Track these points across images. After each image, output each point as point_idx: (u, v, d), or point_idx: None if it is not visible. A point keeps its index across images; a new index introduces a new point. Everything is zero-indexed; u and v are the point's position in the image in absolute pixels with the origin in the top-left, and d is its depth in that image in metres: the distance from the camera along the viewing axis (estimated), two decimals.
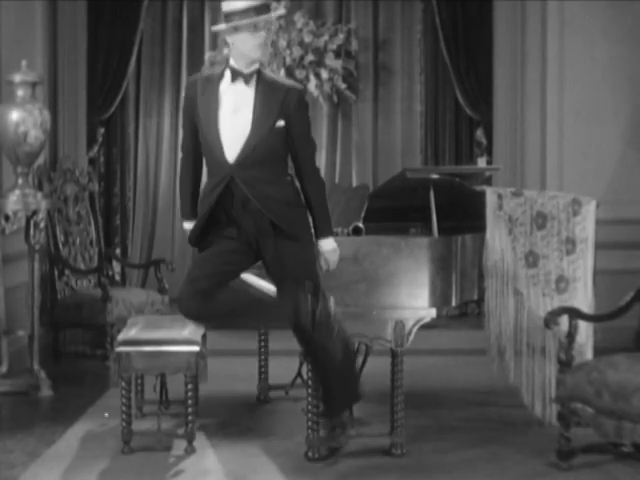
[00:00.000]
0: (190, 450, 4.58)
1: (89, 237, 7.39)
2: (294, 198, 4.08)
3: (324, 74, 8.33)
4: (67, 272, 7.10)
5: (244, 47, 3.88)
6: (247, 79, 3.92)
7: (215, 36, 8.82)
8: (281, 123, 3.94)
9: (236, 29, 3.86)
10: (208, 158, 4.04)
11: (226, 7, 3.90)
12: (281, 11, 4.19)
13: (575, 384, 4.25)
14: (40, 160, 6.63)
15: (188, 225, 4.20)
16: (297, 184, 4.15)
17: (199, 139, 4.03)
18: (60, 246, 7.09)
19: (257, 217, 4.00)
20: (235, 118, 3.91)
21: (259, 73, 3.96)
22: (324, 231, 4.13)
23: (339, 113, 8.78)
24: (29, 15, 7.11)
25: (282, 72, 8.14)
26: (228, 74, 3.95)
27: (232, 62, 3.95)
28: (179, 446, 4.64)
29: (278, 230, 4.01)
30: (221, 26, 3.95)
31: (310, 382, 4.47)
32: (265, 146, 3.93)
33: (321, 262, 4.14)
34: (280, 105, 3.93)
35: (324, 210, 4.13)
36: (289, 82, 4.12)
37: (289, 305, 3.98)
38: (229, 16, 3.87)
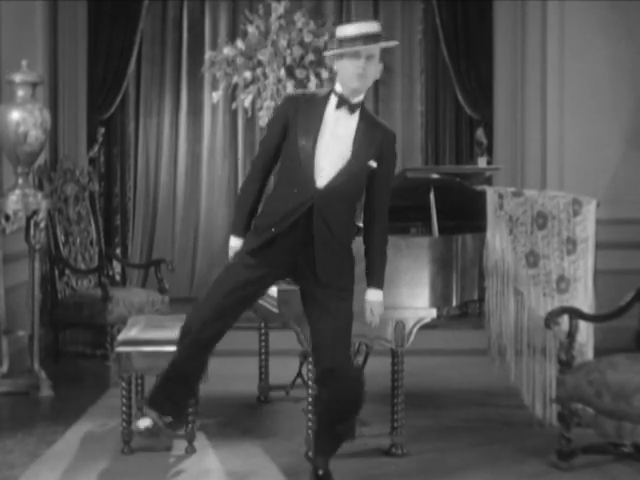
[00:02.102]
0: (190, 450, 4.58)
1: (89, 237, 7.39)
2: (350, 247, 3.93)
3: (324, 74, 8.33)
4: (67, 272, 7.10)
5: (344, 75, 3.78)
6: (353, 109, 3.81)
7: (215, 36, 8.84)
8: (373, 164, 3.83)
9: (341, 56, 3.77)
10: (292, 177, 3.81)
11: (339, 32, 3.82)
12: (391, 43, 3.96)
13: (575, 384, 4.25)
14: (40, 160, 6.63)
15: (236, 242, 3.95)
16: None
17: (281, 156, 3.87)
18: (60, 246, 7.08)
19: (308, 257, 3.84)
20: (334, 144, 3.79)
21: (363, 106, 3.87)
22: (376, 281, 3.96)
23: None
24: (29, 15, 7.12)
25: (282, 72, 8.15)
26: (334, 99, 3.83)
27: (338, 88, 3.83)
28: (179, 446, 4.63)
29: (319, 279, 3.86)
30: (328, 52, 3.89)
31: (310, 382, 4.47)
32: (353, 181, 3.81)
33: (367, 313, 3.96)
34: (378, 145, 3.83)
35: (382, 262, 3.97)
36: (385, 123, 4.04)
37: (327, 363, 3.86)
38: (340, 42, 3.78)
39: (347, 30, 3.79)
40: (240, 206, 4.00)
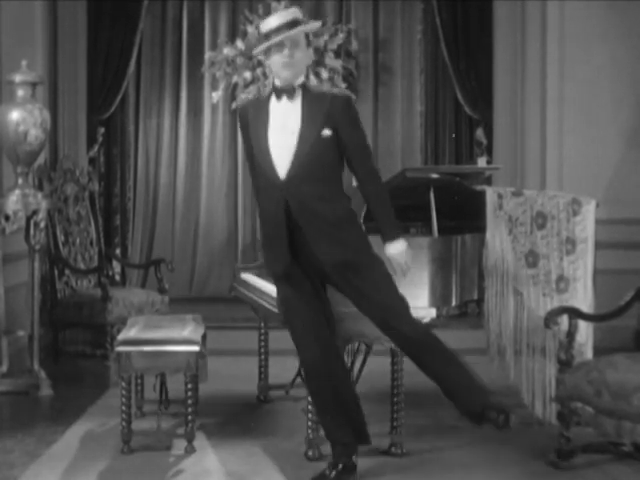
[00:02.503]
0: (190, 450, 4.58)
1: (89, 237, 7.39)
2: (347, 216, 3.94)
3: (324, 74, 8.33)
4: (67, 272, 7.09)
5: (274, 67, 3.86)
6: (290, 95, 3.87)
7: (215, 36, 8.84)
8: (327, 132, 3.84)
9: (269, 51, 3.84)
10: (262, 180, 3.94)
11: (262, 28, 3.88)
12: (312, 25, 4.01)
13: (575, 384, 4.25)
14: (40, 160, 6.63)
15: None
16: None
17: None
18: (60, 246, 7.08)
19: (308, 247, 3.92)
20: (283, 134, 3.85)
21: (304, 87, 3.90)
22: (388, 234, 3.95)
23: None
24: (29, 15, 7.12)
25: None
26: (274, 93, 3.92)
27: (275, 82, 3.91)
28: (179, 446, 4.64)
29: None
30: (256, 50, 3.95)
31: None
32: (314, 158, 3.83)
33: (394, 269, 3.95)
34: (325, 114, 3.84)
35: (386, 212, 3.97)
36: (335, 90, 4.09)
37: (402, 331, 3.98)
38: (266, 37, 3.84)
39: (270, 23, 3.85)
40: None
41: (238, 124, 4.15)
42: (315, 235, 3.87)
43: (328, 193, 3.91)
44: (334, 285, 4.04)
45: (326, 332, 4.04)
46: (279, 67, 3.84)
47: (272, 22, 3.84)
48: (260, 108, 3.94)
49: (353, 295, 3.97)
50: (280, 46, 3.80)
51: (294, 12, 3.90)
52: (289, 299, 4.04)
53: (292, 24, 3.81)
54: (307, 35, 3.92)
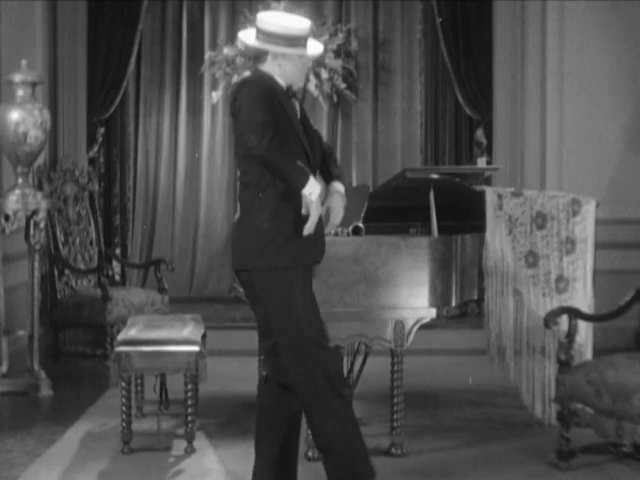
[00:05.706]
0: (190, 450, 4.58)
1: (89, 237, 7.40)
2: None
3: (324, 74, 8.34)
4: (67, 272, 7.11)
5: (297, 74, 3.82)
6: (297, 96, 3.88)
7: (215, 36, 8.84)
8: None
9: (285, 55, 3.75)
10: None
11: (285, 29, 3.71)
12: (319, 48, 3.97)
13: (575, 384, 4.26)
14: (40, 160, 6.64)
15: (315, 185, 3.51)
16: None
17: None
18: (60, 246, 7.09)
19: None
20: (300, 126, 3.80)
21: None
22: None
23: (339, 113, 8.79)
24: (29, 15, 7.13)
25: None
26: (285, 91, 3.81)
27: (284, 81, 3.79)
28: (179, 446, 4.64)
29: None
30: (278, 49, 3.73)
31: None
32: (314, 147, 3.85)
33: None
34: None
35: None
36: None
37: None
38: (289, 40, 3.71)
39: (294, 29, 3.73)
40: (287, 160, 3.61)
41: (258, 93, 3.61)
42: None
43: None
44: None
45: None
46: (301, 75, 3.84)
47: (299, 30, 3.74)
48: (284, 99, 3.76)
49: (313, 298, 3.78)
50: (301, 57, 3.79)
51: (308, 21, 3.81)
52: (308, 294, 3.72)
53: (309, 35, 3.81)
54: None
